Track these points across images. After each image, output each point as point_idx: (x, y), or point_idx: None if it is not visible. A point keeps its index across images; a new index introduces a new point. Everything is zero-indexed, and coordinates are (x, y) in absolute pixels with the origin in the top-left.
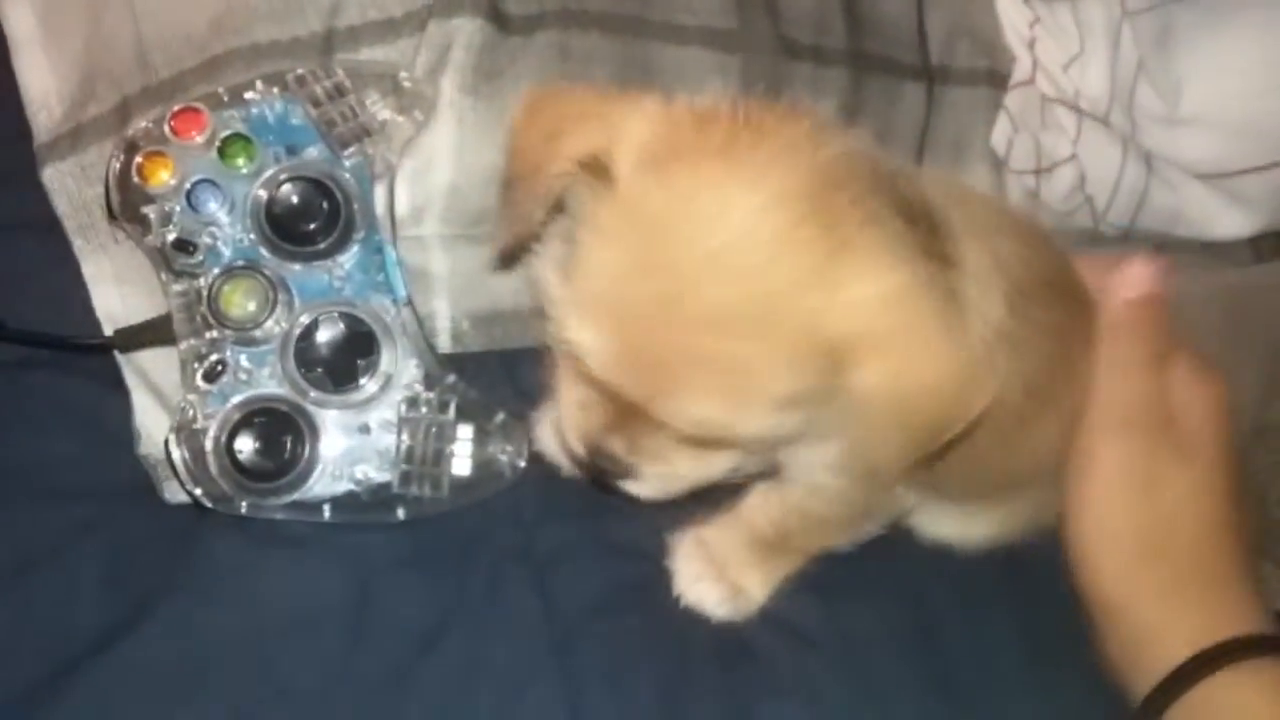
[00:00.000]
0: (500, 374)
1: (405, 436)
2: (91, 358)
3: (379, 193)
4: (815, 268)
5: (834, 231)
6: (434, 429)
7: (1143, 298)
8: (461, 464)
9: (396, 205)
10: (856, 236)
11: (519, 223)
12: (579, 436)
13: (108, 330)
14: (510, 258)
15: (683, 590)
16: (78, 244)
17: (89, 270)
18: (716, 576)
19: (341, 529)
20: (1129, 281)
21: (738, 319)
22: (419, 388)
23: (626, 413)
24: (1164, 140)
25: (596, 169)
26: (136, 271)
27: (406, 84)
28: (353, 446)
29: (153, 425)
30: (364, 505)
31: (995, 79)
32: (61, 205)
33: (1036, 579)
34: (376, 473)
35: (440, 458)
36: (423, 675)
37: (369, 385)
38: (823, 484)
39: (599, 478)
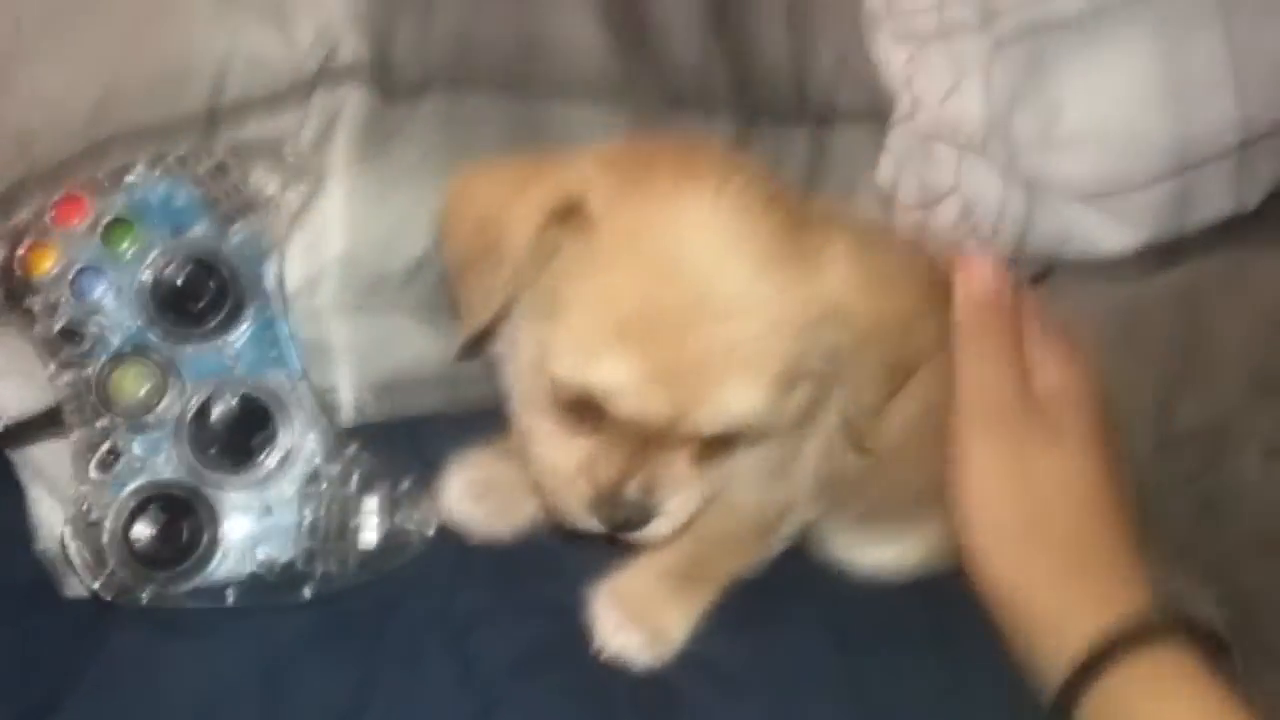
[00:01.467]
0: (404, 442)
1: (308, 513)
2: None
3: (268, 267)
4: (798, 250)
5: (796, 219)
6: (337, 503)
7: (988, 292)
8: (368, 536)
9: (290, 278)
10: (811, 222)
11: (488, 300)
12: (592, 496)
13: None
14: (475, 345)
15: (604, 642)
16: None
17: None
18: (635, 623)
19: (248, 612)
20: (972, 278)
21: (750, 309)
22: (319, 462)
23: (640, 450)
24: (1044, 164)
25: (568, 215)
26: (23, 363)
27: (291, 158)
28: (254, 527)
29: (49, 519)
30: (269, 587)
31: (878, 117)
32: None
33: (953, 608)
34: (280, 552)
35: (345, 531)
36: None
37: (268, 463)
38: (736, 499)
39: (618, 530)
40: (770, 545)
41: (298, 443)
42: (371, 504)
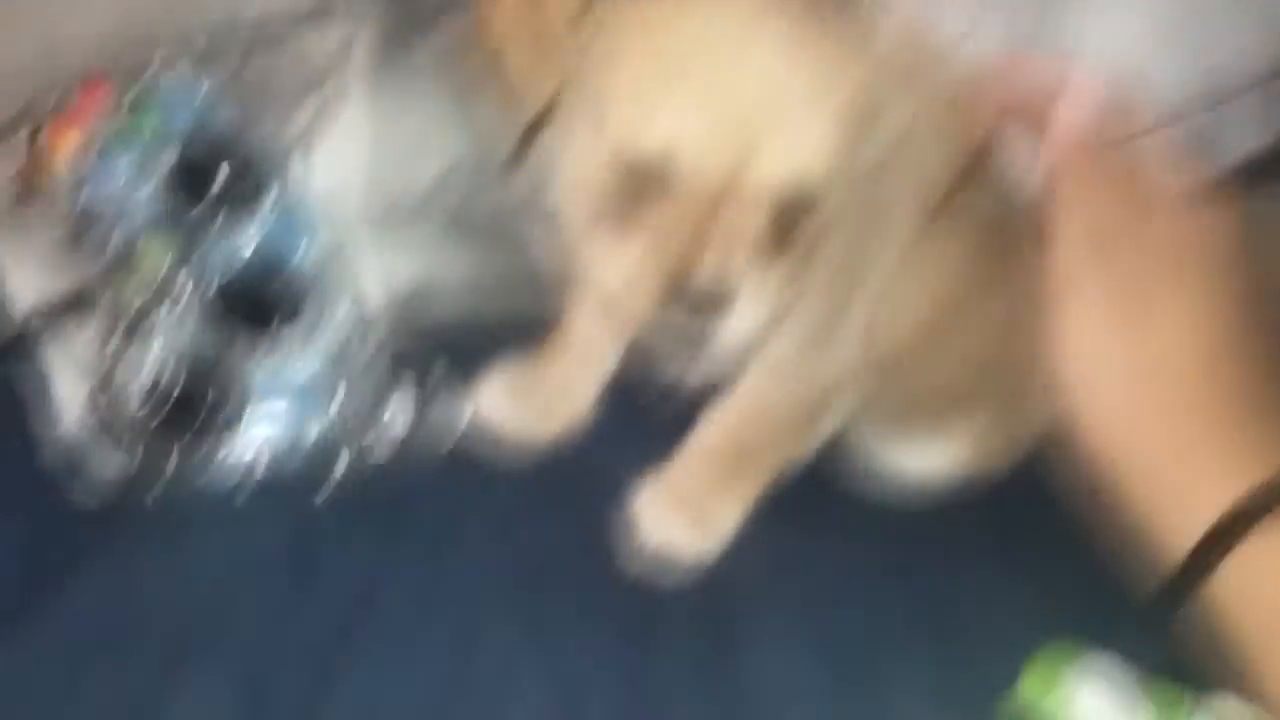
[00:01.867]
0: (431, 347)
1: (337, 393)
2: None
3: (292, 160)
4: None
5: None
6: (366, 386)
7: (1096, 117)
8: (397, 424)
9: (315, 190)
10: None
11: (534, 78)
12: (662, 287)
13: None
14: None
15: (649, 534)
16: None
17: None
18: (682, 513)
19: (274, 490)
20: (1079, 103)
21: (800, 65)
22: (346, 339)
23: (707, 229)
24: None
25: None
26: (43, 252)
27: (319, 59)
28: (281, 402)
29: (71, 404)
30: (298, 460)
31: None
32: None
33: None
34: (309, 430)
35: (375, 417)
36: (376, 616)
37: (293, 334)
38: (784, 369)
39: (697, 323)
40: (818, 428)
41: (324, 316)
42: (401, 393)
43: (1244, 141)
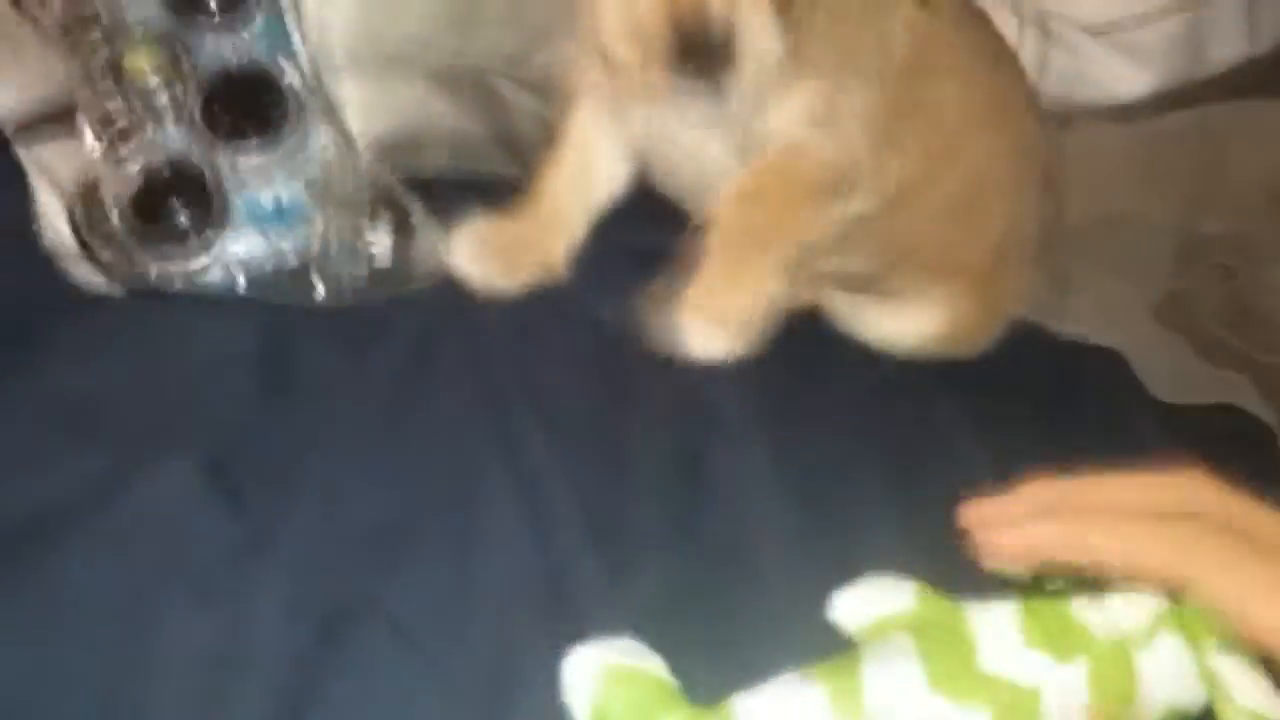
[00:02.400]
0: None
1: (318, 218)
2: None
3: None
4: None
5: None
6: (349, 212)
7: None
8: (381, 252)
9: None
10: None
11: None
12: (673, 32)
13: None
14: None
15: (681, 341)
16: None
17: None
18: (710, 317)
19: (253, 302)
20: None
21: None
22: (330, 159)
23: None
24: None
25: None
26: (28, 60)
27: None
28: (265, 217)
29: (55, 214)
30: (281, 278)
31: None
32: None
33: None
34: (287, 250)
35: (357, 246)
36: (344, 420)
37: (280, 149)
38: (790, 139)
39: (697, 62)
40: (828, 214)
41: (308, 142)
42: (380, 229)
43: (1227, 47)
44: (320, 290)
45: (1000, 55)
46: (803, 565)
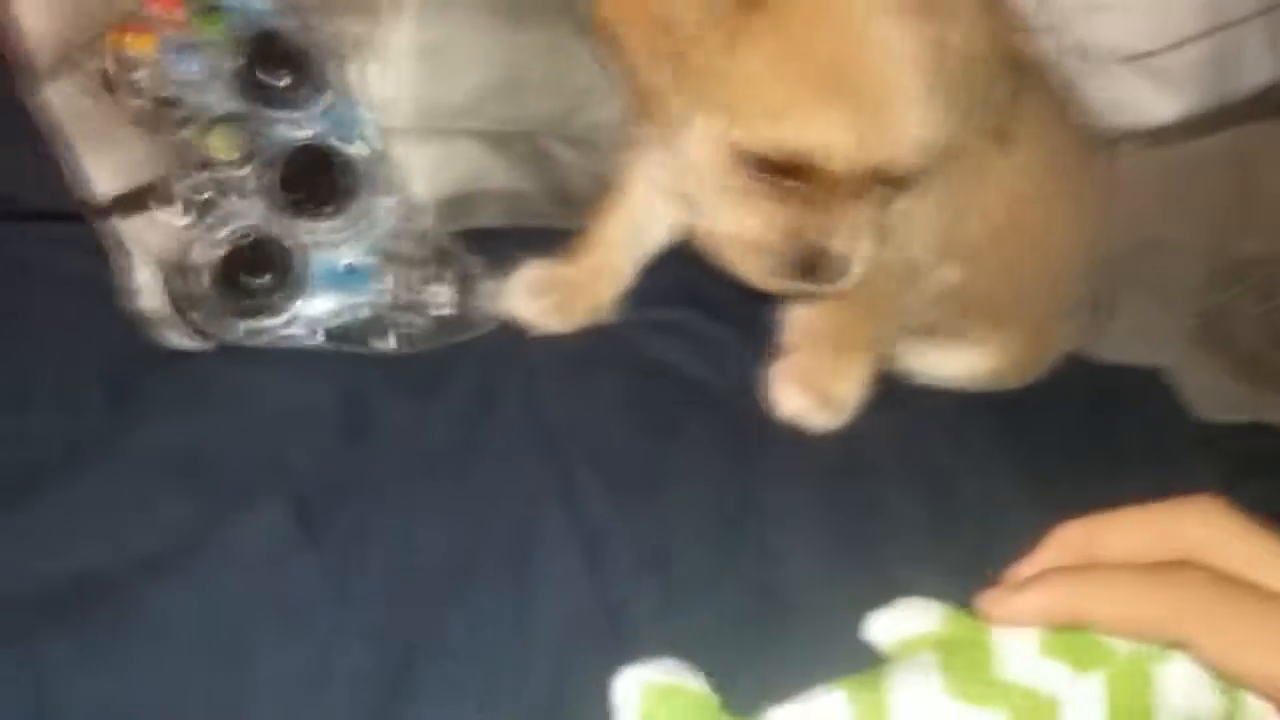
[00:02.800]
0: (472, 248)
1: (387, 278)
2: (79, 230)
3: (349, 65)
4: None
5: None
6: (413, 271)
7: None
8: (444, 302)
9: (366, 90)
10: None
11: (658, 71)
12: (797, 258)
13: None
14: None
15: (786, 410)
16: (71, 134)
17: (86, 154)
18: (810, 393)
19: (329, 355)
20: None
21: (914, 54)
22: (395, 225)
23: (829, 204)
24: (1088, 28)
25: None
26: (122, 143)
27: None
28: (334, 282)
29: (150, 280)
30: (356, 331)
31: None
32: (58, 113)
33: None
34: (359, 307)
35: (424, 293)
36: (418, 463)
37: (348, 224)
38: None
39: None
40: (905, 307)
41: (374, 209)
42: (447, 274)
43: (1256, 69)
44: (391, 340)
45: (1061, 113)
46: (841, 597)
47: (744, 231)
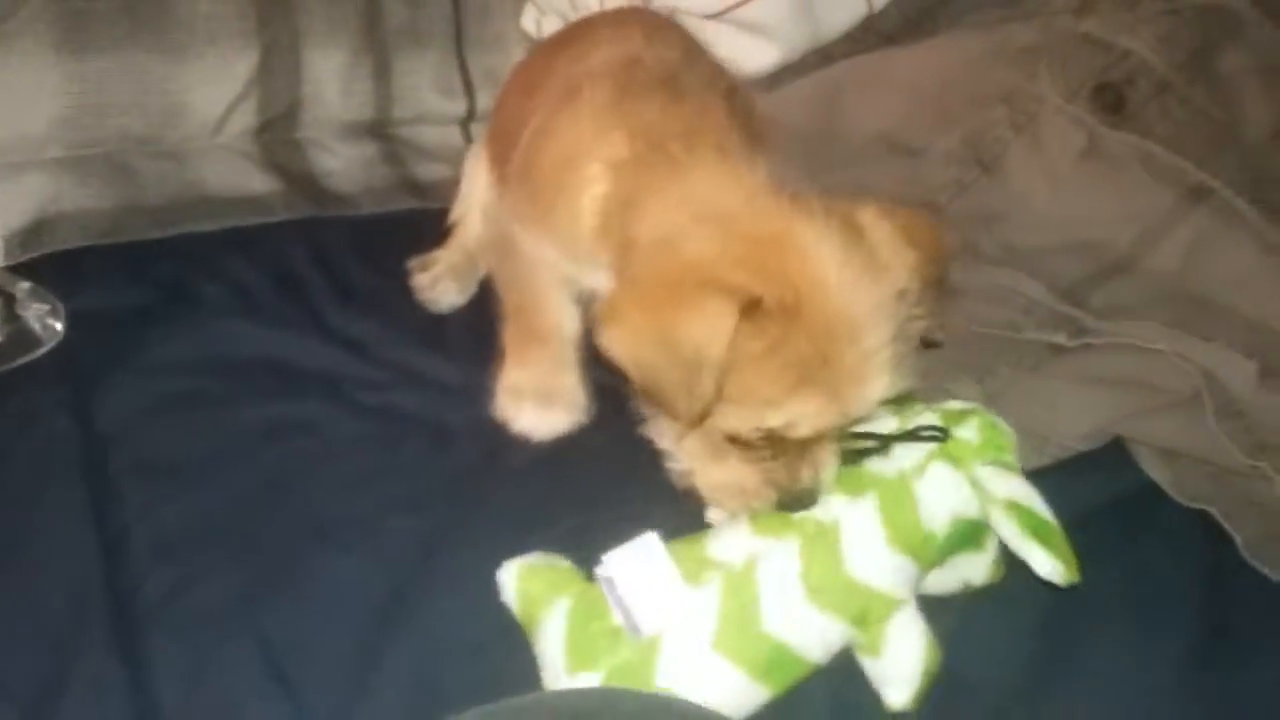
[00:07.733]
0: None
1: None
2: None
3: None
4: (872, 254)
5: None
6: None
7: None
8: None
9: None
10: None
11: (696, 401)
12: (781, 499)
13: None
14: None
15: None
16: None
17: None
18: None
19: None
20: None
21: (878, 321)
22: None
23: (805, 450)
24: None
25: (749, 311)
26: None
27: None
28: None
29: None
30: None
31: None
32: None
33: None
34: None
35: None
36: None
37: None
38: None
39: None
40: None
41: None
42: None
43: (845, 9)
44: None
45: None
46: None
47: (729, 482)
